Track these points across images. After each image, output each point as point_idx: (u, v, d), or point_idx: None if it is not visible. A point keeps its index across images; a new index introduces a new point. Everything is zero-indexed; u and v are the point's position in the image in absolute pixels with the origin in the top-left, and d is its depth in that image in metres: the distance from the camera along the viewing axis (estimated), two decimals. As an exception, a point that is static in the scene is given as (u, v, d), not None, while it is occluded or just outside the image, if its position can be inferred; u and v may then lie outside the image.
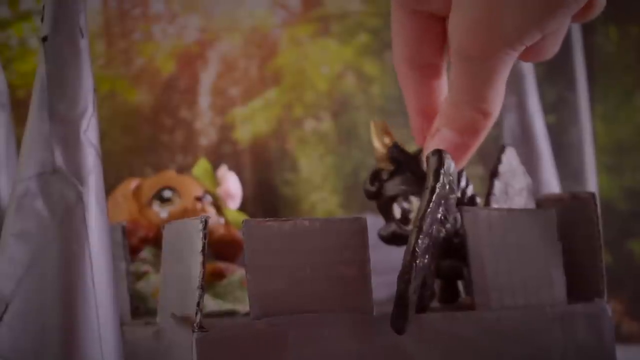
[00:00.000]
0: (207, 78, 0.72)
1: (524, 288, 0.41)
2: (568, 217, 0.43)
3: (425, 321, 0.38)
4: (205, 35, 0.72)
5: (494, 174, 0.44)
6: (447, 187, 0.39)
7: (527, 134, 0.61)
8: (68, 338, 0.34)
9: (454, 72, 0.40)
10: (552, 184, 0.60)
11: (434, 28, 0.42)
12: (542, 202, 0.44)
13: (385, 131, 0.44)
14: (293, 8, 0.74)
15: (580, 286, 0.43)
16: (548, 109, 0.70)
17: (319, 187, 0.72)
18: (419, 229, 0.37)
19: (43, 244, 0.34)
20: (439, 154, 0.39)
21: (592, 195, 0.42)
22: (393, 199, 0.43)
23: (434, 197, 0.38)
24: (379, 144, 0.44)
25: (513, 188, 0.45)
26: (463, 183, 0.43)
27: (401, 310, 0.36)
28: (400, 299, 0.36)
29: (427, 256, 0.37)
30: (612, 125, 0.75)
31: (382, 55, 0.74)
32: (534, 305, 0.41)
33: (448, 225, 0.40)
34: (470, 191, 0.44)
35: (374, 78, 0.74)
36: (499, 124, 0.68)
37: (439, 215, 0.38)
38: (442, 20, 0.43)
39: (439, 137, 0.41)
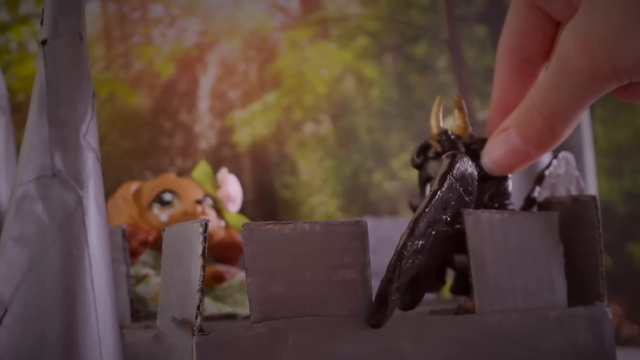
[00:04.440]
0: (206, 81, 0.72)
1: (525, 291, 0.41)
2: (569, 220, 0.43)
3: (426, 324, 0.38)
4: (204, 39, 0.72)
5: (538, 179, 0.44)
6: (460, 189, 0.39)
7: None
8: (67, 342, 0.34)
9: (545, 78, 0.39)
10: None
11: (547, 29, 0.41)
12: (544, 205, 0.44)
13: (458, 107, 0.43)
14: (292, 11, 0.74)
15: (580, 289, 0.43)
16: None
17: (319, 190, 0.72)
18: (411, 232, 0.37)
19: (42, 247, 0.34)
20: (452, 157, 0.39)
21: (593, 198, 0.42)
22: (429, 179, 0.43)
23: (433, 201, 0.38)
24: (434, 123, 0.43)
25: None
26: (505, 188, 0.43)
27: (380, 307, 0.37)
28: (381, 296, 0.37)
29: (419, 256, 0.37)
30: (611, 128, 0.75)
31: (381, 58, 0.74)
32: (535, 308, 0.41)
33: (458, 226, 0.40)
34: (506, 198, 0.43)
35: (373, 81, 0.74)
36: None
37: (444, 217, 0.38)
38: (557, 25, 0.42)
39: (504, 137, 0.40)
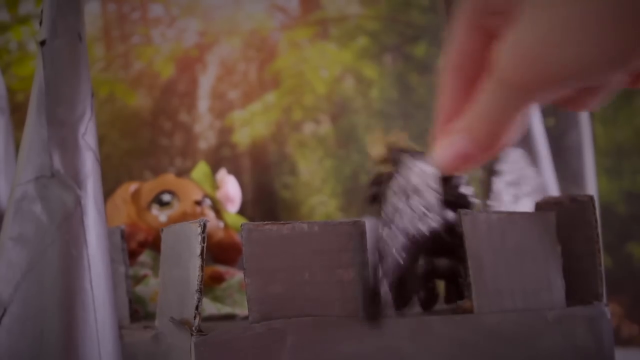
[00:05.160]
0: (206, 81, 0.72)
1: (523, 291, 0.41)
2: (567, 219, 0.43)
3: (424, 324, 0.38)
4: (204, 39, 0.72)
5: (492, 172, 0.44)
6: (419, 182, 0.39)
7: (525, 136, 0.61)
8: (66, 341, 0.34)
9: (487, 86, 0.40)
10: (550, 187, 0.60)
11: (491, 47, 0.42)
12: (541, 205, 0.44)
13: (381, 140, 0.45)
14: (292, 11, 0.74)
15: (579, 289, 0.43)
16: (548, 111, 0.70)
17: (318, 190, 0.72)
18: (386, 220, 0.37)
19: (41, 247, 0.34)
20: (399, 152, 0.39)
21: (591, 198, 0.42)
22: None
23: (394, 188, 0.38)
24: (376, 150, 0.44)
25: (520, 190, 0.45)
26: (460, 188, 0.44)
27: (373, 300, 0.37)
28: (370, 290, 0.37)
29: (403, 254, 0.38)
30: (611, 128, 0.75)
31: (381, 58, 0.74)
32: (534, 308, 0.41)
33: (433, 224, 0.40)
34: (468, 192, 0.44)
35: (372, 81, 0.74)
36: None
37: (416, 212, 0.39)
38: None
39: (451, 140, 0.42)
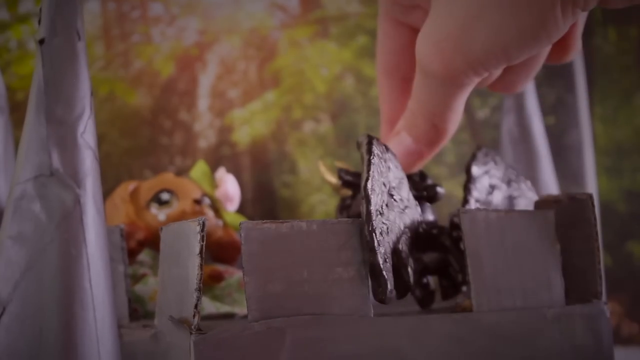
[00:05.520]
0: (206, 80, 0.72)
1: (523, 289, 0.41)
2: (566, 218, 0.43)
3: (424, 323, 0.38)
4: (204, 38, 0.72)
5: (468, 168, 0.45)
6: (386, 163, 0.40)
7: (525, 135, 0.61)
8: (65, 340, 0.34)
9: (416, 82, 0.40)
10: (550, 185, 0.60)
11: (414, 42, 0.42)
12: (540, 204, 0.44)
13: (328, 169, 0.46)
14: (292, 10, 0.74)
15: (578, 287, 0.43)
16: (547, 110, 0.70)
17: (318, 189, 0.72)
18: (367, 198, 0.37)
19: (40, 246, 0.34)
20: (368, 137, 0.40)
21: (590, 196, 0.42)
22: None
23: (371, 168, 0.38)
24: (329, 178, 0.45)
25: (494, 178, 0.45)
26: (424, 181, 0.45)
27: (379, 280, 0.37)
28: (373, 270, 0.37)
29: (391, 223, 0.38)
30: (611, 126, 0.75)
31: (381, 57, 0.74)
32: (533, 307, 0.41)
33: (415, 217, 0.40)
34: (432, 183, 0.45)
35: (372, 80, 0.74)
36: (497, 126, 0.68)
37: (399, 206, 0.39)
38: None
39: (397, 140, 0.42)
